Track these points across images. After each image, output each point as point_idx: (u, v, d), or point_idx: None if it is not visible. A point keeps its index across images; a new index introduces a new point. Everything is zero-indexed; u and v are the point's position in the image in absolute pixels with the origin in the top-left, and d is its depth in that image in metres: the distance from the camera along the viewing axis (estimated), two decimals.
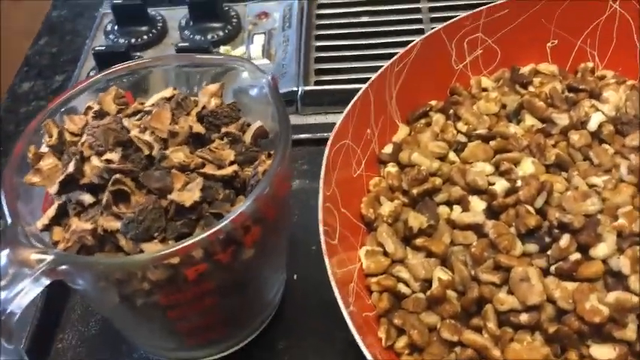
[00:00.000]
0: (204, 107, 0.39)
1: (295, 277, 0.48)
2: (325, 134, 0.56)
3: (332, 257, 0.36)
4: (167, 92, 0.40)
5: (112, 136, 0.35)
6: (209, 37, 0.65)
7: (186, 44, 0.60)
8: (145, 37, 0.66)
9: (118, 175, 0.33)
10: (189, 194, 0.33)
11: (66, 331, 0.46)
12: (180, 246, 0.31)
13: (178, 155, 0.35)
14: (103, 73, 0.42)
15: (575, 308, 0.35)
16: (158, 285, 0.33)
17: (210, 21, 0.66)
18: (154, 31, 0.66)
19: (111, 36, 0.66)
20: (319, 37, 0.65)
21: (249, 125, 0.40)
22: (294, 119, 0.58)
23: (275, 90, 0.38)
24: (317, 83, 0.60)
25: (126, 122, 0.36)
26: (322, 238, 0.36)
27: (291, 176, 0.39)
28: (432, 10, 0.66)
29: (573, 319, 0.35)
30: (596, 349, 0.34)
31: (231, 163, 0.37)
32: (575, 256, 0.36)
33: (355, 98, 0.43)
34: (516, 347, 0.35)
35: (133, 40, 0.65)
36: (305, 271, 0.48)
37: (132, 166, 0.34)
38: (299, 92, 0.58)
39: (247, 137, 0.39)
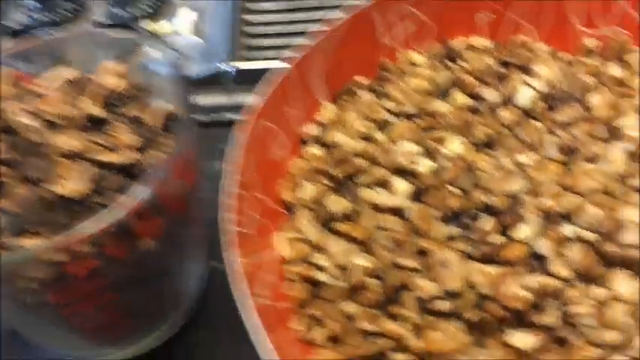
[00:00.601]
0: (106, 88, 0.36)
1: (217, 265, 0.45)
2: None
3: (238, 247, 0.33)
4: (66, 71, 0.37)
5: None
6: (135, 11, 0.61)
7: (108, 20, 0.57)
8: (68, 13, 0.62)
9: None
10: (75, 185, 0.30)
11: None
12: (58, 241, 0.28)
13: (68, 141, 0.32)
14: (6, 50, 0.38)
15: (496, 293, 0.33)
16: (46, 283, 0.30)
17: None
18: (72, 5, 0.62)
19: (33, 14, 0.62)
20: (251, 11, 0.62)
21: (154, 107, 0.37)
22: (222, 99, 0.56)
23: (179, 70, 0.35)
24: (248, 60, 0.57)
25: (12, 106, 0.33)
26: (227, 227, 0.33)
27: (198, 163, 0.37)
28: None
29: (494, 305, 0.33)
30: (518, 336, 0.32)
31: (132, 148, 0.34)
32: (498, 238, 0.35)
33: (273, 75, 0.41)
34: (436, 336, 0.33)
35: (45, 16, 0.61)
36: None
37: (14, 154, 0.31)
38: (227, 70, 0.55)
39: (151, 120, 0.36)
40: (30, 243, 0.29)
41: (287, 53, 0.56)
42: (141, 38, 0.38)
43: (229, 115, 0.55)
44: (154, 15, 0.62)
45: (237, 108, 0.55)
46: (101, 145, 0.33)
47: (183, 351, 0.42)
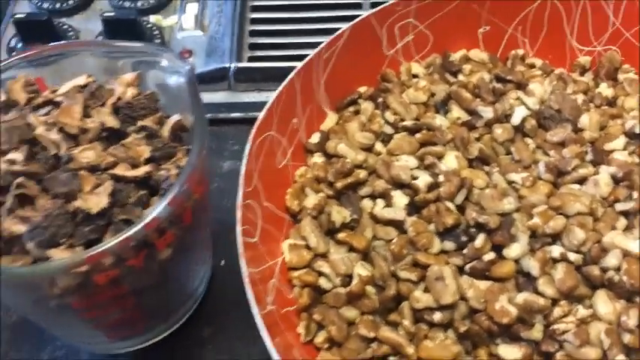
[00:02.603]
0: (119, 98, 0.38)
1: (223, 262, 0.48)
2: (257, 113, 0.55)
3: (249, 257, 0.36)
4: (81, 80, 0.39)
5: (17, 133, 0.33)
6: (139, 4, 0.62)
7: (112, 13, 0.57)
8: (71, 1, 0.63)
9: (20, 179, 0.31)
10: (96, 200, 0.32)
11: None
12: (87, 255, 0.30)
13: (88, 154, 0.34)
14: (16, 57, 0.39)
15: (486, 308, 0.36)
16: (68, 290, 0.32)
17: None
18: None
19: (35, 0, 0.63)
20: (255, 9, 0.62)
21: (167, 117, 0.38)
22: (226, 96, 0.57)
23: (192, 82, 0.37)
24: (251, 59, 0.58)
25: (32, 118, 0.34)
26: (239, 239, 0.35)
27: (208, 174, 0.38)
28: None
29: (484, 319, 0.36)
30: (504, 349, 0.35)
31: (147, 160, 0.36)
32: (489, 255, 0.37)
33: (280, 88, 0.42)
34: (429, 345, 0.36)
35: (58, 5, 0.62)
36: (233, 256, 0.47)
37: (37, 167, 0.33)
38: (231, 69, 0.57)
39: (165, 131, 0.38)
40: (55, 254, 0.31)
41: (295, 53, 0.57)
42: (155, 49, 0.39)
43: (232, 114, 0.56)
44: (158, 8, 0.62)
45: (239, 105, 0.57)
46: (119, 158, 0.35)
47: (185, 345, 0.44)
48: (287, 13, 0.62)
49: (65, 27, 0.60)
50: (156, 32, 0.60)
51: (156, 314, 0.40)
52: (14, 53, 0.58)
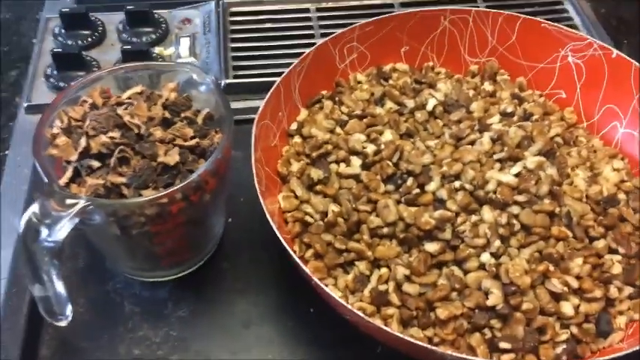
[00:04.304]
0: (166, 99, 0.56)
1: (230, 220, 0.66)
2: (245, 116, 0.74)
3: (264, 198, 0.55)
4: (138, 89, 0.57)
5: (112, 120, 0.51)
6: (144, 39, 0.81)
7: (129, 47, 0.75)
8: (89, 39, 0.80)
9: (122, 147, 0.50)
10: (171, 157, 0.50)
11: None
12: (169, 190, 0.48)
13: (157, 133, 0.52)
14: (88, 78, 0.57)
15: (415, 222, 0.56)
16: (150, 218, 0.50)
17: (144, 26, 0.81)
18: (96, 34, 0.81)
19: (59, 38, 0.80)
20: (234, 40, 0.82)
21: (199, 111, 0.57)
22: None
23: (218, 86, 0.56)
24: (235, 77, 0.78)
25: (119, 111, 0.52)
26: (257, 186, 0.54)
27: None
28: (320, 19, 0.85)
29: (414, 229, 0.56)
30: (428, 245, 0.55)
31: (192, 137, 0.54)
32: (416, 191, 0.57)
33: (271, 91, 0.62)
34: (381, 248, 0.56)
35: (79, 42, 0.80)
36: (237, 215, 0.66)
37: (128, 140, 0.51)
38: (222, 84, 0.76)
39: (199, 119, 0.56)
40: (146, 193, 0.49)
41: (268, 71, 0.77)
42: (188, 67, 0.58)
43: None
44: (158, 42, 0.81)
45: None
46: (175, 135, 0.53)
47: (210, 275, 0.62)
48: (258, 42, 0.82)
49: (88, 58, 0.78)
50: (160, 60, 0.78)
51: (194, 246, 0.58)
52: (51, 80, 0.75)
